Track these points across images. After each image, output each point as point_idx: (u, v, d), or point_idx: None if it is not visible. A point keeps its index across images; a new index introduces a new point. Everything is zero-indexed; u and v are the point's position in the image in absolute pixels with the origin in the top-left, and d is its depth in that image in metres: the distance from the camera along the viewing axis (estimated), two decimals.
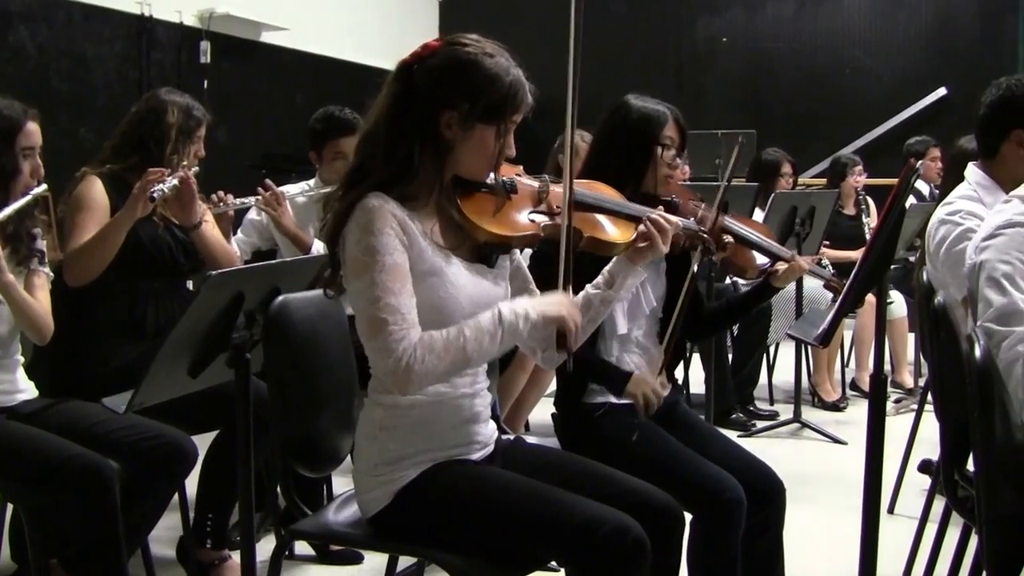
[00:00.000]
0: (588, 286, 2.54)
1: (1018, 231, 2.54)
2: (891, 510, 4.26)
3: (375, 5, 9.74)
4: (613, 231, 2.56)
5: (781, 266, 3.16)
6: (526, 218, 2.39)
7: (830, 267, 6.02)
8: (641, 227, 2.56)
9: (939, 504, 3.18)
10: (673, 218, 2.60)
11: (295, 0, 8.47)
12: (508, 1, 10.44)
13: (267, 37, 8.22)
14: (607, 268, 2.56)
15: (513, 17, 10.00)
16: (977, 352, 1.94)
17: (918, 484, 4.15)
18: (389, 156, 2.23)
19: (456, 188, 2.31)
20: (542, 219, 2.40)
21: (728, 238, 2.91)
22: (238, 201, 3.86)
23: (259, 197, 4.06)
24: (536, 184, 2.46)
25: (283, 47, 8.37)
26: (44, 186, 3.05)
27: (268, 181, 4.16)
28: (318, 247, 4.08)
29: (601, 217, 2.58)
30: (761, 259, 3.25)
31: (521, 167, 2.50)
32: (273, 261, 3.93)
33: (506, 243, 2.36)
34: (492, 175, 2.36)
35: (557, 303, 2.26)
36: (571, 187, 2.34)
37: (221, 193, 3.79)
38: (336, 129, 4.31)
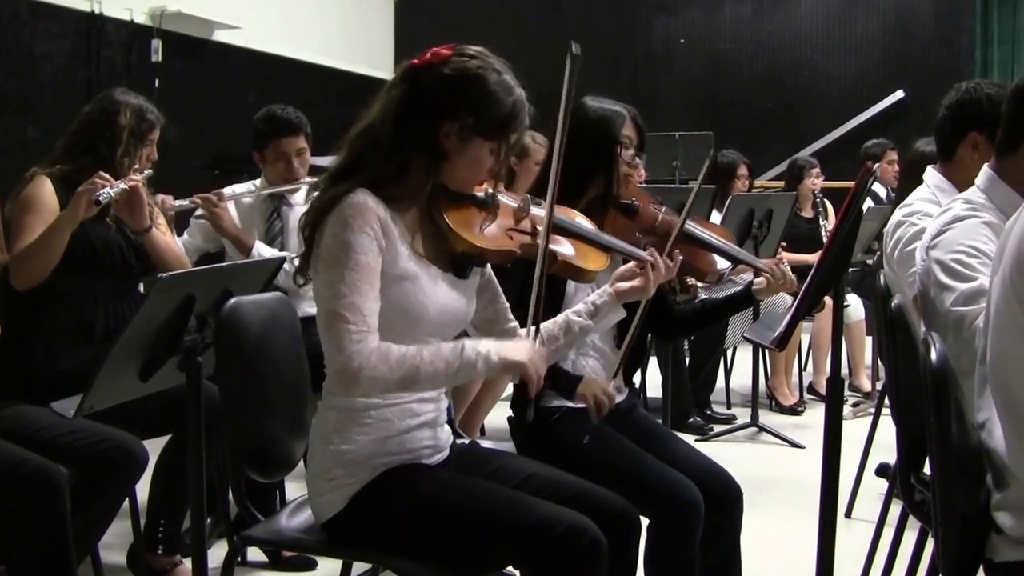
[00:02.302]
0: (570, 312, 2.56)
1: (964, 223, 2.57)
2: (848, 514, 4.27)
3: (329, 5, 9.68)
4: (587, 258, 2.60)
5: (763, 280, 3.11)
6: (505, 234, 2.41)
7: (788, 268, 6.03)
8: (633, 265, 2.61)
9: (896, 508, 3.18)
10: (668, 262, 2.64)
11: None
12: (463, 1, 10.41)
13: (219, 36, 8.15)
14: (592, 299, 2.59)
15: (468, 18, 9.98)
16: (933, 355, 1.94)
17: (875, 488, 4.16)
18: (389, 156, 2.24)
19: (441, 196, 2.33)
20: (520, 237, 2.42)
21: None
22: (176, 203, 3.78)
23: (196, 199, 3.96)
24: (517, 203, 2.48)
25: (235, 46, 8.29)
26: None
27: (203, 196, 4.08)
28: (259, 248, 4.02)
29: (575, 243, 2.62)
30: (722, 264, 3.24)
31: (503, 185, 2.50)
32: (225, 263, 3.85)
33: (483, 256, 2.38)
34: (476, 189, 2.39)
35: (521, 350, 2.26)
36: (550, 223, 2.37)
37: (160, 198, 3.72)
38: (278, 130, 4.15)
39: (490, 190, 2.40)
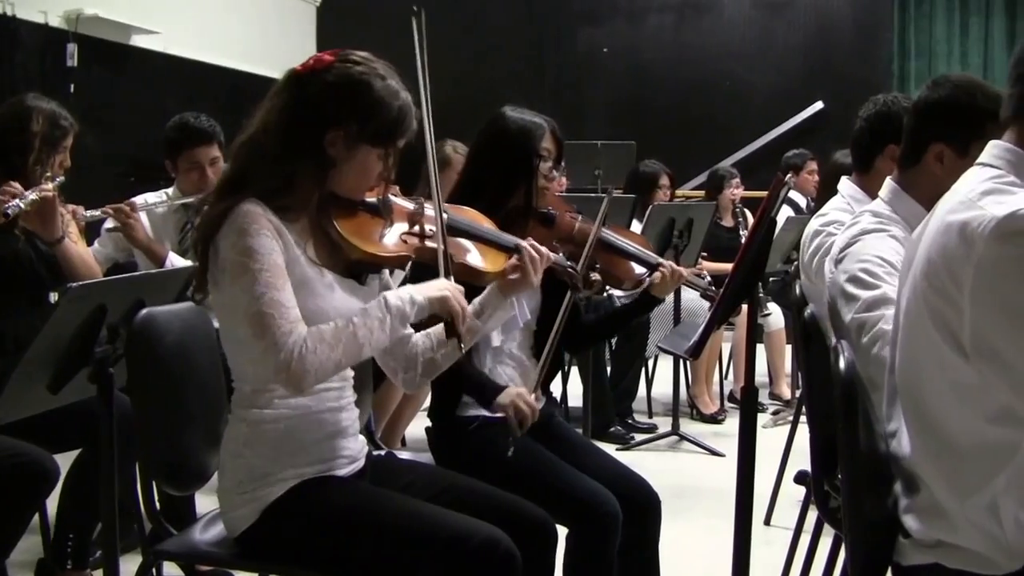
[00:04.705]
0: None
1: (872, 235, 2.59)
2: (767, 521, 4.31)
3: (250, 10, 9.59)
4: (485, 259, 2.57)
5: (658, 275, 3.16)
6: (399, 239, 2.38)
7: (708, 278, 6.09)
8: (513, 259, 2.56)
9: (814, 515, 3.21)
10: (544, 251, 2.60)
11: (167, 3, 8.28)
12: (385, 7, 10.34)
13: (138, 40, 8.02)
14: (478, 299, 2.55)
15: (390, 23, 9.89)
16: (842, 364, 1.96)
17: (795, 495, 4.20)
18: (275, 167, 2.20)
19: (332, 204, 2.29)
20: (415, 241, 2.39)
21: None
22: (87, 213, 3.70)
23: (108, 209, 3.87)
24: (411, 206, 2.45)
25: (154, 51, 8.16)
26: None
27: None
28: (173, 259, 3.95)
29: (473, 244, 2.58)
30: (639, 270, 3.27)
31: (397, 187, 2.47)
32: (137, 273, 3.78)
33: (378, 263, 2.36)
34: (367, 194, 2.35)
35: (440, 286, 2.26)
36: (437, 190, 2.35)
37: (71, 208, 3.65)
38: (191, 139, 4.06)
39: (384, 196, 2.38)
